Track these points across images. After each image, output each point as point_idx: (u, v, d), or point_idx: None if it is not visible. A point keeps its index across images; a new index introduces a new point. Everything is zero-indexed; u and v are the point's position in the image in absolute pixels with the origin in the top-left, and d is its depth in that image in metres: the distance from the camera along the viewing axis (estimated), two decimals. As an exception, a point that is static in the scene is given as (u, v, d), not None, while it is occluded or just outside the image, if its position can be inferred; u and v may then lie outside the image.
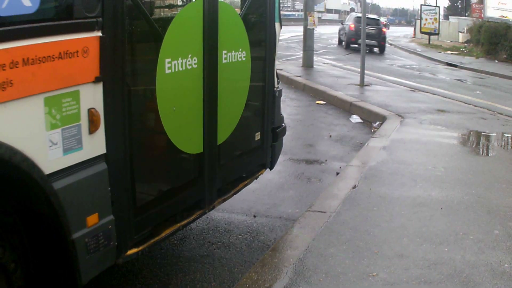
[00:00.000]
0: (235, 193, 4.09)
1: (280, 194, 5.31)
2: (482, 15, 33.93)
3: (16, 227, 2.54)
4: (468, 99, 11.17)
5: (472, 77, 17.23)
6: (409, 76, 15.45)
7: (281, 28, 4.67)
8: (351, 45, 24.17)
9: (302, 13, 25.75)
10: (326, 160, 6.51)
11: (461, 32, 39.51)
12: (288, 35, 36.04)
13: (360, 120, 8.99)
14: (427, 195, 4.94)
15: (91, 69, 2.55)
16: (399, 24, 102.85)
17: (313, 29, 15.40)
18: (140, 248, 3.07)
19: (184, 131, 3.38)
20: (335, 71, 15.20)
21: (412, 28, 53.69)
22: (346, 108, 9.83)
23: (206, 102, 3.50)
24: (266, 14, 4.31)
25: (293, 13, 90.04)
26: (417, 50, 28.32)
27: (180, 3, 4.47)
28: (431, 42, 33.93)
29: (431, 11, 35.55)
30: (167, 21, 3.24)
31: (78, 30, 2.46)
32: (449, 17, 52.13)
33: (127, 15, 2.76)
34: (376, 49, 24.37)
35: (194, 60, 3.34)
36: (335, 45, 29.05)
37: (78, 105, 2.51)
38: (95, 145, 2.64)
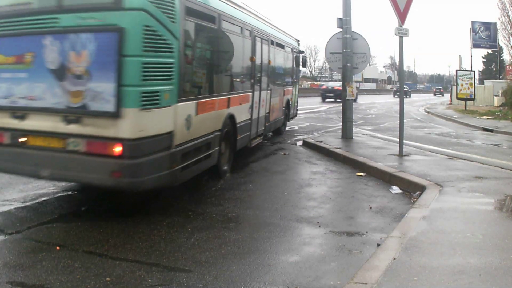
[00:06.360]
0: (284, 128, 18.07)
1: (322, 266, 5.47)
2: (515, 76, 34.07)
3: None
4: (504, 164, 11.30)
5: (508, 141, 17.32)
6: (447, 143, 15.64)
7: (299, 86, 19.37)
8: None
9: (340, 83, 26.73)
10: (367, 232, 6.71)
11: (496, 95, 39.53)
12: (326, 106, 36.60)
13: (400, 191, 9.17)
14: (466, 262, 5.13)
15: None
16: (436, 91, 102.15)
17: (352, 99, 15.92)
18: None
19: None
20: (374, 141, 15.46)
21: (448, 95, 53.82)
22: (386, 179, 10.03)
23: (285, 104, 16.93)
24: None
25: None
26: (454, 116, 28.44)
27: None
28: (467, 108, 34.03)
29: (467, 76, 35.77)
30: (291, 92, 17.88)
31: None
32: (484, 81, 52.25)
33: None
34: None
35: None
36: (373, 115, 29.51)
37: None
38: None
